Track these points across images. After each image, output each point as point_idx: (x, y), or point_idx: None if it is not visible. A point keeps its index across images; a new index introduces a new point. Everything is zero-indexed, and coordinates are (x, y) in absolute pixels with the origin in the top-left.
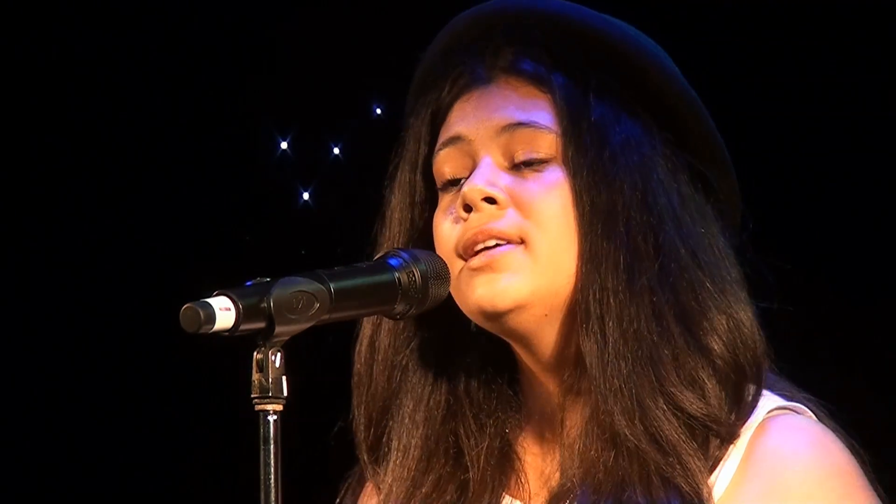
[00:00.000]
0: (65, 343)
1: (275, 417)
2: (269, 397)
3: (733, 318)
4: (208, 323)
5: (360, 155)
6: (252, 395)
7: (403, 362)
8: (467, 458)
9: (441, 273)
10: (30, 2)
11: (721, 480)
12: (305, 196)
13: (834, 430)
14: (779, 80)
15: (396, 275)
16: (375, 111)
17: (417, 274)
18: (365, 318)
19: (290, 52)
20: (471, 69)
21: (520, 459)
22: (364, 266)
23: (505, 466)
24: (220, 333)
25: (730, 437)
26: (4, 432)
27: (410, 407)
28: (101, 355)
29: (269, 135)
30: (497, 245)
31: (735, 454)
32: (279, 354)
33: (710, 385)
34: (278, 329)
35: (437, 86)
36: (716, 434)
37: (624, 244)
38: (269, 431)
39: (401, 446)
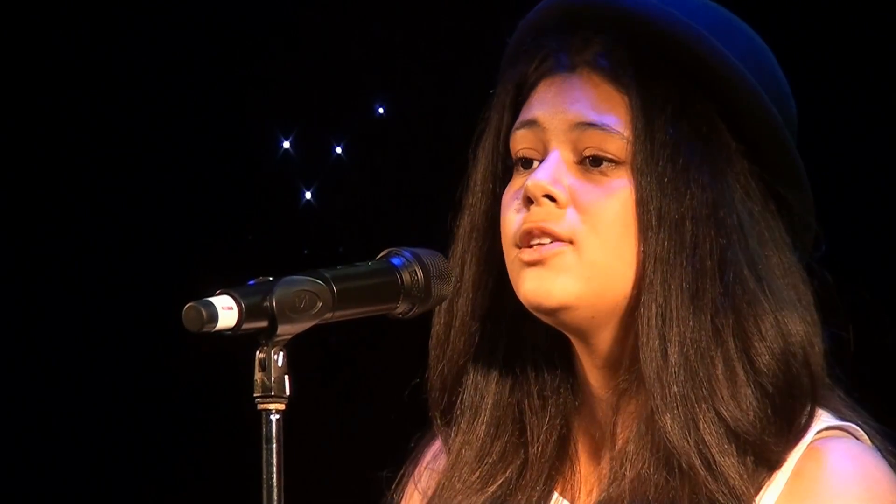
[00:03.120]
0: (67, 342)
1: (277, 417)
2: (272, 396)
3: (791, 342)
4: (211, 322)
5: (362, 154)
6: (254, 395)
7: (478, 329)
8: (529, 434)
9: (444, 272)
10: (32, 0)
11: (766, 502)
12: (308, 195)
13: (887, 452)
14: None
15: (399, 274)
16: (378, 110)
17: (420, 273)
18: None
19: (293, 52)
20: (557, 54)
21: (574, 455)
22: (367, 265)
23: (560, 457)
24: (222, 332)
25: (779, 461)
26: (5, 432)
27: (481, 374)
28: (103, 354)
29: (271, 134)
30: (551, 242)
31: (780, 477)
32: (281, 354)
33: (766, 410)
34: (281, 328)
35: (524, 60)
36: (766, 459)
37: (690, 261)
38: (271, 431)
39: (471, 410)
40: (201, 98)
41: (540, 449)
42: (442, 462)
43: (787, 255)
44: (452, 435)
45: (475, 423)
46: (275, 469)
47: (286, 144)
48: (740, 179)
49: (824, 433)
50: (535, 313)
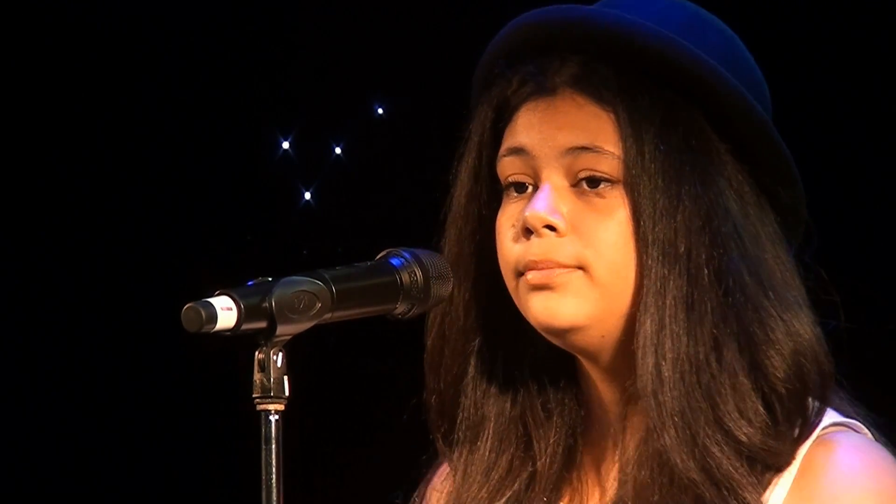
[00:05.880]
0: (66, 343)
1: (276, 417)
2: (271, 397)
3: (800, 343)
4: (210, 322)
5: (362, 154)
6: (254, 395)
7: (473, 349)
8: (535, 447)
9: (443, 273)
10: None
11: (773, 501)
12: (307, 196)
13: (889, 445)
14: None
15: (398, 275)
16: (377, 111)
17: (419, 273)
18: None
19: (292, 52)
20: (537, 76)
21: (581, 464)
22: (366, 266)
23: (568, 467)
24: (221, 333)
25: (788, 462)
26: (5, 432)
27: (481, 393)
28: (103, 355)
29: (271, 134)
30: (558, 268)
31: (788, 473)
32: (280, 354)
33: (776, 415)
34: (280, 329)
35: (501, 83)
36: (776, 462)
37: (685, 274)
38: (270, 431)
39: (473, 429)
40: (201, 98)
41: (548, 461)
42: (450, 484)
43: (783, 252)
44: (457, 455)
45: (479, 442)
46: (274, 469)
47: (286, 144)
48: (732, 183)
49: (830, 429)
50: (545, 334)
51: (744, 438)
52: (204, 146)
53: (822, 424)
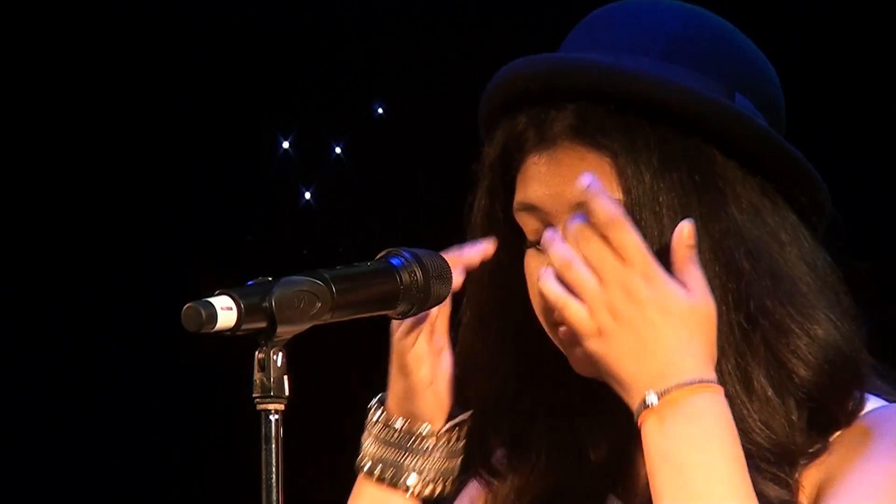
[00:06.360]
0: (67, 343)
1: (276, 417)
2: (271, 397)
3: (826, 350)
4: (210, 322)
5: (361, 154)
6: (254, 395)
7: (508, 383)
8: (588, 448)
9: (443, 272)
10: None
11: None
12: (307, 195)
13: None
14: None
15: (398, 274)
16: (377, 110)
17: (419, 273)
18: (458, 345)
19: (293, 52)
20: (535, 127)
21: (633, 461)
22: (366, 266)
23: (619, 462)
24: (221, 333)
25: (825, 450)
26: (5, 432)
27: (527, 421)
28: (103, 355)
29: (270, 134)
30: None
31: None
32: (280, 354)
33: (815, 426)
34: (280, 328)
35: (502, 130)
36: (815, 456)
37: None
38: (270, 431)
39: (521, 455)
40: (201, 98)
41: (601, 456)
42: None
43: (807, 254)
44: (501, 479)
45: (530, 459)
46: (274, 469)
47: (286, 144)
48: (741, 202)
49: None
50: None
51: (784, 459)
52: (204, 146)
53: (861, 414)
